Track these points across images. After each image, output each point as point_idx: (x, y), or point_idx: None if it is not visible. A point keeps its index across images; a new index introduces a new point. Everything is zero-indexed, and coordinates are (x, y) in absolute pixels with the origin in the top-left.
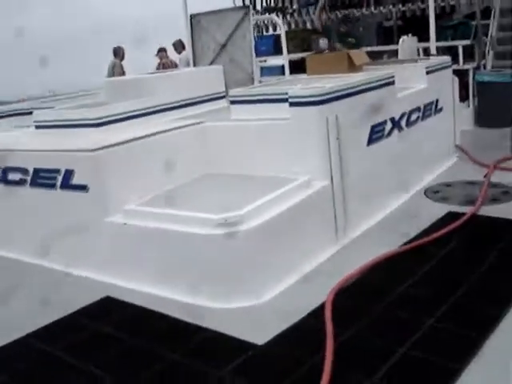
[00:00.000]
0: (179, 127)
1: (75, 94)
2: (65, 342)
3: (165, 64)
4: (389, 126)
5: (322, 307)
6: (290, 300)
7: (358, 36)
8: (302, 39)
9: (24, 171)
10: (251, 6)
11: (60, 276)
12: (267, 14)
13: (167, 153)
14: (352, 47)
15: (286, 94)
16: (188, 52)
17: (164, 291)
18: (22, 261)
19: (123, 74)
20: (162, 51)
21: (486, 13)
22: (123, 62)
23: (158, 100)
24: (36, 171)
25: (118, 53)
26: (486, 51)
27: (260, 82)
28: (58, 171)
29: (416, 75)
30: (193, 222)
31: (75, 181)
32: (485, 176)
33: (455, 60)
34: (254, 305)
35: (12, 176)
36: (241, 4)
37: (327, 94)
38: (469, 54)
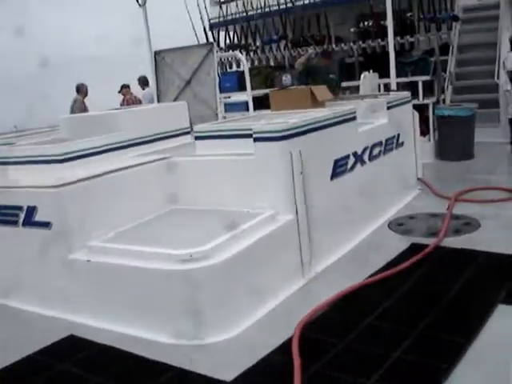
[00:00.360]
0: (144, 163)
1: (36, 130)
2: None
3: (128, 100)
4: (352, 160)
5: (289, 341)
6: (257, 335)
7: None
8: (265, 76)
9: None
10: (215, 43)
11: (22, 315)
12: (231, 51)
13: (132, 189)
14: (333, 83)
15: (250, 129)
16: (152, 88)
17: (129, 329)
18: None
19: (85, 110)
20: (125, 88)
21: (444, 49)
22: (86, 99)
23: (123, 136)
24: None
25: (81, 89)
26: (445, 86)
27: (224, 117)
28: (20, 208)
29: (377, 110)
30: (158, 258)
31: (38, 218)
32: (447, 208)
33: (415, 95)
34: (221, 341)
35: None
36: (204, 41)
37: (291, 129)
38: (428, 89)
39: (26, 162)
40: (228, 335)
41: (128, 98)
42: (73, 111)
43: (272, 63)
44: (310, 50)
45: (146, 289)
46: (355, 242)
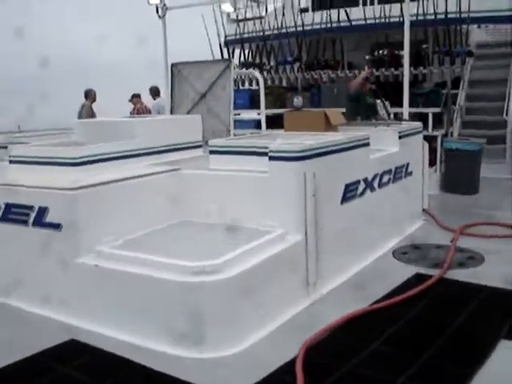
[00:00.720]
0: (157, 172)
1: (46, 132)
2: (27, 383)
3: (139, 109)
4: (362, 185)
5: (293, 362)
6: (261, 352)
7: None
8: (277, 96)
9: None
10: (233, 60)
11: (24, 315)
12: (244, 69)
13: (143, 197)
14: (374, 109)
15: (266, 148)
16: (162, 99)
17: (133, 337)
18: None
19: (93, 116)
20: (136, 97)
21: (456, 82)
22: (94, 105)
23: (137, 144)
24: (8, 206)
25: (89, 95)
26: (454, 119)
27: (234, 134)
28: (31, 208)
29: (389, 139)
30: (168, 269)
31: (49, 219)
32: (451, 241)
33: (424, 126)
34: (226, 356)
35: None
36: (219, 57)
37: (307, 150)
38: (438, 120)
39: (41, 163)
40: (232, 351)
41: (138, 107)
42: (80, 116)
43: (284, 84)
44: (366, 70)
45: (153, 298)
46: (360, 267)
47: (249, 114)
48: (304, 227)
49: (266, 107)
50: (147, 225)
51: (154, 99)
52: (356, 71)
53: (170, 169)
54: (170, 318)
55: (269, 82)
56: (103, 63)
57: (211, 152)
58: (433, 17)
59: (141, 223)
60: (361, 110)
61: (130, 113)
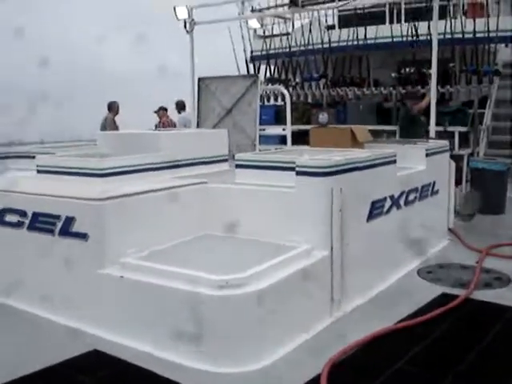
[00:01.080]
0: (183, 185)
1: (70, 143)
2: None
3: (165, 123)
4: (388, 203)
5: (317, 379)
6: (284, 369)
7: None
8: (302, 112)
9: (22, 214)
10: (260, 75)
11: (49, 325)
12: (270, 85)
13: (169, 210)
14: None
15: (293, 162)
16: (188, 113)
17: (156, 350)
18: (10, 306)
19: (116, 128)
20: (162, 109)
21: (483, 102)
22: (117, 117)
23: (163, 157)
24: (35, 215)
25: (113, 107)
26: (481, 139)
27: (259, 149)
28: (58, 217)
29: (416, 157)
30: (193, 281)
31: (75, 228)
32: (476, 261)
33: (451, 145)
34: (250, 371)
35: (9, 218)
36: (245, 73)
37: (334, 166)
38: (464, 140)
39: (67, 173)
40: (255, 366)
41: (164, 121)
42: (104, 128)
43: (310, 100)
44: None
45: (177, 311)
46: (385, 286)
47: (274, 130)
48: (330, 243)
49: (292, 123)
50: (172, 237)
51: (180, 113)
52: (382, 88)
53: (196, 182)
54: (192, 331)
55: (294, 98)
56: (120, 75)
57: (237, 166)
58: (460, 35)
59: (166, 235)
60: (417, 129)
61: (156, 126)
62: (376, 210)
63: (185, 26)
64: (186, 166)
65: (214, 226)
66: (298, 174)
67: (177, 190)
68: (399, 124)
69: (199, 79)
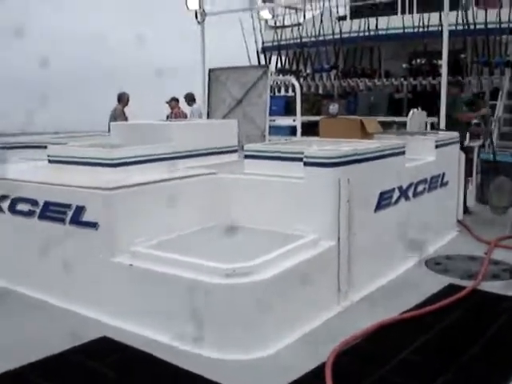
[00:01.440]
0: (192, 175)
1: (83, 134)
2: (59, 378)
3: (177, 114)
4: (397, 194)
5: (322, 367)
6: (290, 356)
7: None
8: (312, 103)
9: (34, 203)
10: (270, 66)
11: (59, 312)
12: (281, 76)
13: (179, 199)
14: None
15: (301, 153)
16: (200, 105)
17: (164, 337)
18: (22, 294)
19: (125, 119)
20: (174, 100)
21: (494, 93)
22: (126, 108)
23: (173, 147)
24: (46, 204)
25: (122, 98)
26: (492, 131)
27: (269, 140)
28: (68, 206)
29: (425, 148)
30: (201, 270)
31: (85, 217)
32: (485, 252)
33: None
34: (256, 358)
35: (21, 206)
36: (256, 63)
37: (342, 157)
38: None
39: (78, 163)
40: (261, 354)
41: (176, 112)
42: (114, 119)
43: (320, 91)
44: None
45: (185, 299)
46: (392, 276)
47: (284, 121)
48: (337, 233)
49: (302, 114)
50: (182, 227)
51: (190, 105)
52: (393, 79)
53: (206, 172)
54: (199, 319)
55: (304, 89)
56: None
57: (246, 156)
58: (472, 27)
59: (175, 225)
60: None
61: (167, 116)
62: (384, 200)
63: (196, 17)
64: (195, 157)
65: (223, 216)
66: (306, 164)
67: (186, 180)
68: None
69: (210, 70)
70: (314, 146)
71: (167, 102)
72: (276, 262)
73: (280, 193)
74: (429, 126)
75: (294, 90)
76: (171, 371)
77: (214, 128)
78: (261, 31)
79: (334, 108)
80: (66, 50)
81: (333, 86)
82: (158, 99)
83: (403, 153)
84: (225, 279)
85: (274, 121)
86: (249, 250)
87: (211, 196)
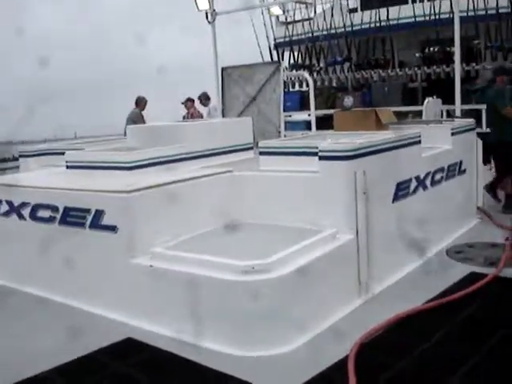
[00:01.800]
0: (208, 175)
1: (101, 138)
2: (86, 379)
3: (193, 114)
4: (414, 184)
5: (345, 360)
6: (313, 351)
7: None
8: (327, 96)
9: (54, 209)
10: (282, 62)
11: (83, 314)
12: (295, 71)
13: (196, 199)
14: None
15: (316, 147)
16: (215, 103)
17: (187, 336)
18: (46, 298)
19: (143, 123)
20: (190, 101)
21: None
22: (144, 112)
23: (188, 148)
24: (66, 210)
25: (140, 103)
26: None
27: (285, 136)
28: (88, 211)
29: (441, 136)
30: (220, 268)
31: (105, 221)
32: (506, 239)
33: (478, 124)
34: (278, 354)
35: (42, 213)
36: (269, 60)
37: (357, 149)
38: None
39: (96, 167)
40: (283, 350)
41: (192, 112)
42: (132, 123)
43: (334, 84)
44: None
45: (206, 297)
46: (413, 267)
47: (299, 116)
48: (355, 226)
49: (317, 108)
50: (200, 226)
51: (205, 105)
52: (406, 69)
53: (221, 171)
54: (220, 317)
55: (318, 83)
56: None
57: (261, 153)
58: (483, 12)
59: (193, 224)
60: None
61: (184, 117)
62: (401, 191)
63: (206, 17)
64: (211, 156)
65: (241, 213)
66: (321, 158)
67: (202, 179)
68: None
69: (222, 69)
70: (329, 140)
71: (183, 103)
72: (294, 257)
73: (296, 188)
74: (445, 114)
75: (308, 85)
76: (199, 371)
77: (228, 126)
78: (272, 28)
79: (348, 100)
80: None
81: (346, 79)
82: (172, 100)
83: (419, 142)
84: (243, 276)
85: (290, 116)
86: (267, 247)
87: (228, 194)
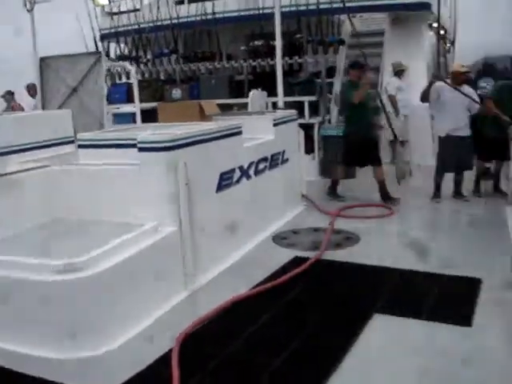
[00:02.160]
0: (24, 170)
1: None
2: None
3: (13, 107)
4: (237, 173)
5: (169, 354)
6: (138, 347)
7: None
8: (155, 89)
9: None
10: (103, 52)
11: None
12: (120, 62)
13: (11, 196)
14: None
15: (134, 139)
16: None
17: (13, 345)
18: None
19: None
20: (8, 94)
21: (330, 72)
22: None
23: (5, 142)
24: None
25: None
26: (330, 107)
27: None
28: None
29: (264, 127)
30: (32, 269)
31: None
32: (329, 223)
33: (302, 115)
34: (98, 355)
35: None
36: (94, 50)
37: (176, 140)
38: (315, 109)
39: None
40: (108, 348)
41: (13, 105)
42: None
43: (162, 76)
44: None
45: (21, 301)
46: (240, 255)
47: (128, 108)
48: (178, 218)
49: (145, 100)
50: (16, 224)
51: (33, 96)
52: (233, 62)
53: (37, 166)
54: (36, 320)
55: (146, 75)
56: None
57: (80, 146)
58: (305, 8)
59: (9, 223)
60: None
61: (3, 111)
62: (225, 181)
63: (25, 5)
64: (27, 150)
65: (62, 209)
66: (141, 150)
67: (17, 175)
68: None
69: (40, 59)
70: (148, 131)
71: (1, 97)
72: (111, 254)
73: (116, 181)
74: (270, 106)
75: None
76: (14, 378)
77: (45, 119)
78: (96, 18)
79: (176, 93)
80: None
81: (174, 71)
82: None
83: (240, 133)
84: (55, 276)
85: (118, 108)
86: (85, 244)
87: (45, 190)
